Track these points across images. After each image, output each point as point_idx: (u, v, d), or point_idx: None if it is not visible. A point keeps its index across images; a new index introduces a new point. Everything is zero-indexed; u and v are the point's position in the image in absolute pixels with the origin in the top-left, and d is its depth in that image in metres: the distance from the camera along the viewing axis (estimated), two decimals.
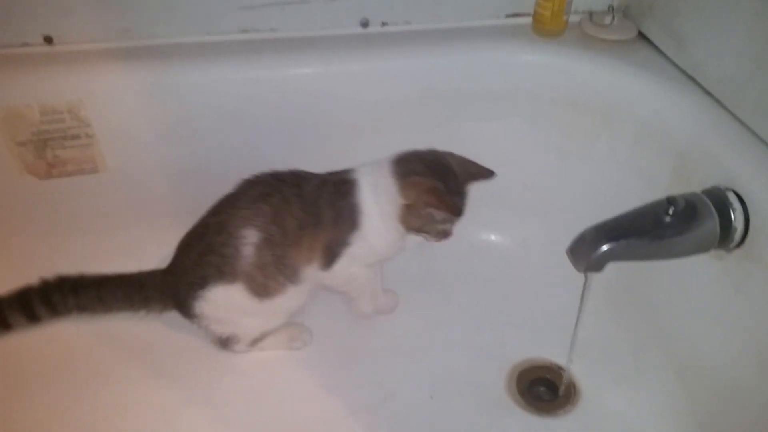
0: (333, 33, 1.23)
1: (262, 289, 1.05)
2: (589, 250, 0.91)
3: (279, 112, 1.21)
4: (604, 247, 0.90)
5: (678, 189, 1.01)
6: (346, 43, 1.22)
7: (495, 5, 1.25)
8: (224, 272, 1.03)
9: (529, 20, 1.23)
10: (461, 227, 1.33)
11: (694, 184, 0.99)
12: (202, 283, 1.05)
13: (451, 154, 1.06)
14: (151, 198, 1.29)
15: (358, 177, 1.04)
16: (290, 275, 1.05)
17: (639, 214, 0.93)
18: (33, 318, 1.10)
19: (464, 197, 1.03)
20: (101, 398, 1.12)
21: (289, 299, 1.08)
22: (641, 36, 1.22)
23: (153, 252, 1.28)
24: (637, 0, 1.23)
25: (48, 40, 1.19)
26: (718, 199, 0.91)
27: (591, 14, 1.24)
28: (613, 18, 1.20)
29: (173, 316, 1.16)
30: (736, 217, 0.89)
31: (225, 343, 1.15)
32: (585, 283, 0.97)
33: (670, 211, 0.90)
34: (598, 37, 1.20)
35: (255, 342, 1.16)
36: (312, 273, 1.06)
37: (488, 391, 1.12)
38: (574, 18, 1.24)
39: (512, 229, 1.35)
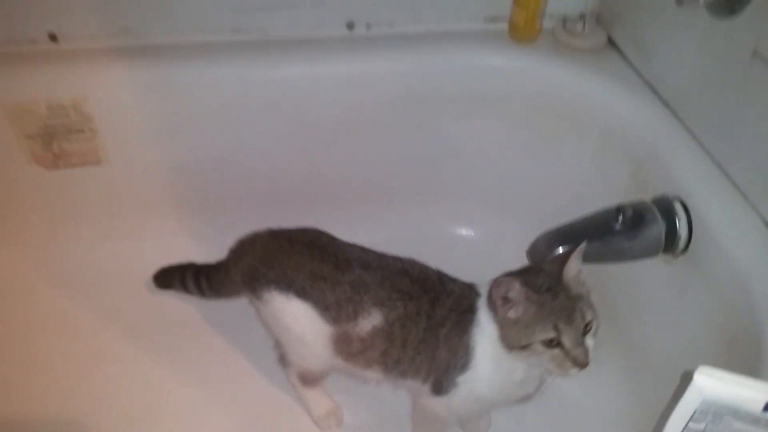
0: (320, 35, 1.29)
1: (344, 351, 1.01)
2: (545, 252, 1.00)
3: (268, 110, 1.28)
4: (558, 250, 0.99)
5: (634, 193, 1.09)
6: (332, 45, 1.28)
7: (474, 9, 1.30)
8: (325, 306, 0.98)
9: (505, 25, 1.29)
10: (435, 220, 1.44)
11: (648, 189, 1.07)
12: (288, 285, 1.00)
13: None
14: (150, 188, 1.37)
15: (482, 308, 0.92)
16: (385, 370, 1.00)
17: (591, 220, 1.01)
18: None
19: (558, 296, 0.83)
20: (102, 376, 1.22)
21: (359, 374, 1.05)
22: (611, 43, 1.27)
23: (151, 237, 1.41)
24: (608, 7, 1.29)
25: (53, 37, 1.25)
26: (665, 208, 0.98)
27: (564, 20, 1.29)
28: (584, 26, 1.26)
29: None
30: (681, 225, 0.97)
31: (280, 358, 1.15)
32: None
33: (620, 219, 0.98)
34: (569, 44, 1.26)
35: (304, 377, 1.13)
36: (412, 387, 1.02)
37: None
38: (549, 23, 1.29)
39: (487, 224, 1.43)
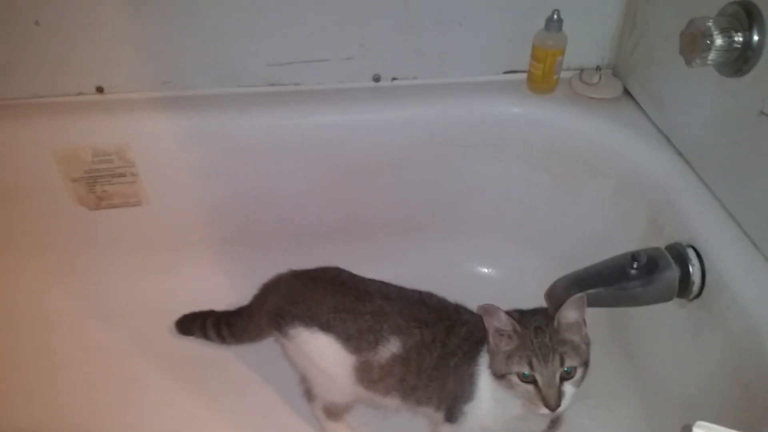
0: (349, 86, 1.37)
1: (365, 379, 1.06)
2: (562, 295, 1.04)
3: (301, 155, 1.35)
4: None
5: (652, 237, 1.13)
6: (360, 95, 1.35)
7: (494, 63, 1.37)
8: (347, 337, 1.03)
9: (524, 76, 1.35)
10: (457, 259, 1.49)
11: (664, 234, 1.11)
12: (312, 320, 1.05)
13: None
14: (187, 228, 1.45)
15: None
16: (403, 396, 1.05)
17: (606, 266, 1.05)
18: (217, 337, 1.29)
19: (542, 335, 0.87)
20: (135, 405, 1.28)
21: (379, 402, 1.09)
22: (627, 94, 1.33)
23: (187, 273, 1.47)
24: (623, 59, 1.34)
25: (99, 89, 1.35)
26: (679, 254, 1.02)
27: (582, 72, 1.35)
28: (600, 78, 1.31)
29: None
30: (694, 271, 1.00)
31: (306, 392, 1.21)
32: None
33: (635, 265, 1.02)
34: (585, 95, 1.31)
35: (328, 410, 1.17)
36: (428, 414, 1.07)
37: None
38: (566, 74, 1.35)
39: (508, 263, 1.48)
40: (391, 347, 1.01)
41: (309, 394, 1.20)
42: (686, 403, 1.05)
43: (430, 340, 1.01)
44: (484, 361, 0.95)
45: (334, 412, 1.18)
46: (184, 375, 1.33)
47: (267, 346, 1.25)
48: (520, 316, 0.91)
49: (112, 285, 1.47)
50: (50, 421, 1.25)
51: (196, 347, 1.36)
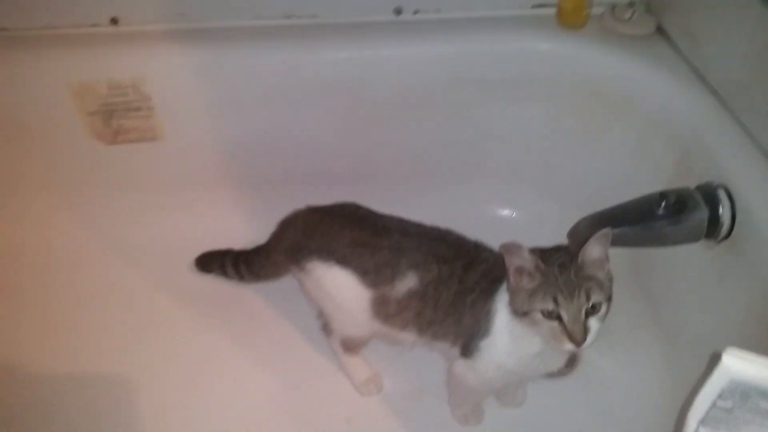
0: (368, 20, 1.32)
1: (382, 313, 1.05)
2: (585, 234, 1.01)
3: (317, 92, 1.32)
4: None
5: (679, 180, 1.09)
6: (380, 29, 1.31)
7: None
8: (364, 271, 1.03)
9: (554, 11, 1.29)
10: (477, 201, 1.46)
11: (693, 176, 1.07)
12: (329, 254, 1.05)
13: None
14: (203, 165, 1.43)
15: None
16: (419, 330, 1.04)
17: (634, 205, 1.02)
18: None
19: (567, 272, 0.85)
20: (152, 342, 1.28)
21: (395, 336, 1.09)
22: (661, 31, 1.27)
23: (204, 211, 1.46)
24: None
25: (114, 21, 1.31)
26: (709, 195, 0.99)
27: (614, 7, 1.29)
28: (633, 13, 1.26)
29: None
30: (724, 212, 0.97)
31: (323, 326, 1.21)
32: None
33: (663, 204, 0.99)
34: (617, 31, 1.26)
35: (345, 344, 1.18)
36: (443, 349, 1.06)
37: None
38: (598, 9, 1.30)
39: (529, 206, 1.45)
40: (408, 282, 1.01)
41: (326, 329, 1.20)
42: (708, 347, 1.02)
43: (447, 275, 1.00)
44: (502, 298, 0.93)
45: (350, 347, 1.19)
46: (200, 313, 1.33)
47: (285, 283, 1.25)
48: (542, 253, 0.89)
49: (129, 222, 1.46)
50: (63, 361, 1.26)
51: (212, 285, 1.35)
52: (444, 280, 1.00)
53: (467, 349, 0.99)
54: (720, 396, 0.56)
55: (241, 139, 1.39)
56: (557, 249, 0.92)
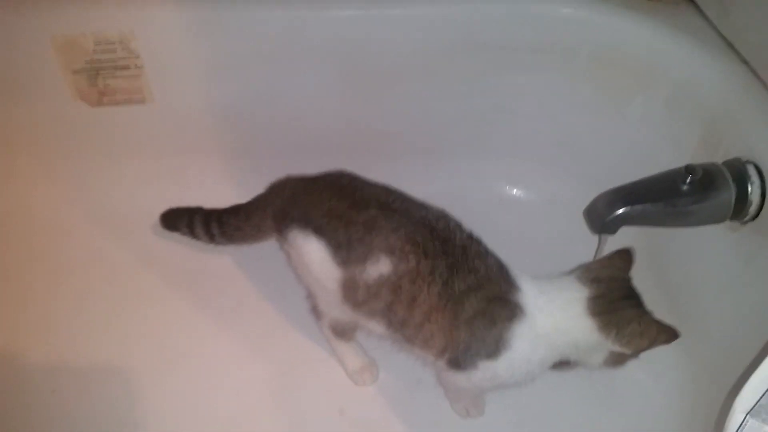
0: None
1: (351, 298, 0.95)
2: (604, 212, 0.95)
3: (317, 54, 1.24)
4: (620, 211, 0.93)
5: (704, 157, 1.03)
6: None
7: None
8: (337, 245, 0.93)
9: None
10: (485, 179, 1.39)
11: (719, 153, 1.00)
12: (307, 223, 0.97)
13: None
14: (193, 130, 1.35)
15: (526, 306, 0.88)
16: (389, 326, 0.94)
17: (657, 180, 0.96)
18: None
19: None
20: (137, 317, 1.21)
21: (363, 324, 1.01)
22: None
23: (194, 179, 1.38)
24: None
25: None
26: (737, 171, 0.92)
27: None
28: None
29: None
30: (753, 190, 0.91)
31: (313, 308, 1.13)
32: (599, 244, 1.01)
33: (688, 180, 0.92)
34: None
35: (335, 328, 1.10)
36: (423, 358, 0.98)
37: None
38: None
39: (540, 185, 1.37)
40: (380, 267, 0.90)
41: (315, 311, 1.11)
42: (731, 337, 0.97)
43: (427, 271, 0.88)
44: (523, 328, 0.87)
45: (342, 331, 1.10)
46: (187, 288, 1.26)
47: (275, 262, 1.17)
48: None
49: (113, 190, 1.38)
50: (41, 332, 1.19)
51: (200, 258, 1.29)
52: (423, 275, 0.88)
53: (457, 363, 0.90)
54: None
55: (235, 103, 1.31)
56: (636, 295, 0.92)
